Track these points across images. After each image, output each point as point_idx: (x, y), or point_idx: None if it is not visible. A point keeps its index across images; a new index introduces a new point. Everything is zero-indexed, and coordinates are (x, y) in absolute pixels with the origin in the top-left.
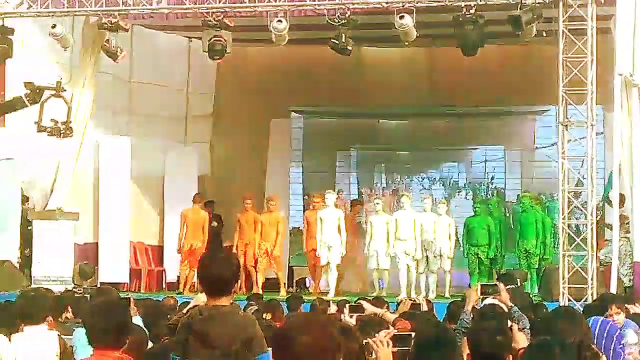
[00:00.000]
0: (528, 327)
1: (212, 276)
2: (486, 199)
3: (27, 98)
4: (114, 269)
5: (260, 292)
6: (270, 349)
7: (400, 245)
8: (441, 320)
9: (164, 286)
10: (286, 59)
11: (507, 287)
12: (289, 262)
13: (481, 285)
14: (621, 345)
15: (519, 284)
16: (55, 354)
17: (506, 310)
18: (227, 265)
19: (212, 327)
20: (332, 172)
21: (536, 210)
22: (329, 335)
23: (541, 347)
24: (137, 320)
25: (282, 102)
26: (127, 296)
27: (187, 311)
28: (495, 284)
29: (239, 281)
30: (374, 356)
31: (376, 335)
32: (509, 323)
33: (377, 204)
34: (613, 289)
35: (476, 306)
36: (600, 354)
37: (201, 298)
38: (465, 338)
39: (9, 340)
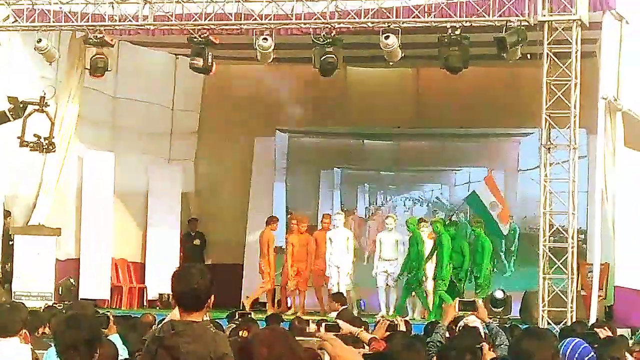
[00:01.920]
0: (506, 344)
1: (184, 291)
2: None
3: (11, 113)
4: (95, 285)
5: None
6: None
7: (382, 265)
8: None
9: (145, 303)
10: (271, 77)
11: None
12: (275, 281)
13: (459, 301)
14: None
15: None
16: None
17: (482, 327)
18: (200, 280)
19: (182, 343)
20: (315, 191)
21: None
22: (289, 349)
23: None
24: (115, 338)
25: (267, 120)
26: (106, 313)
27: (160, 326)
28: (474, 301)
29: (212, 297)
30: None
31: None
32: (481, 343)
33: (387, 223)
34: (593, 314)
35: (452, 325)
36: None
37: (176, 314)
38: (435, 357)
39: None
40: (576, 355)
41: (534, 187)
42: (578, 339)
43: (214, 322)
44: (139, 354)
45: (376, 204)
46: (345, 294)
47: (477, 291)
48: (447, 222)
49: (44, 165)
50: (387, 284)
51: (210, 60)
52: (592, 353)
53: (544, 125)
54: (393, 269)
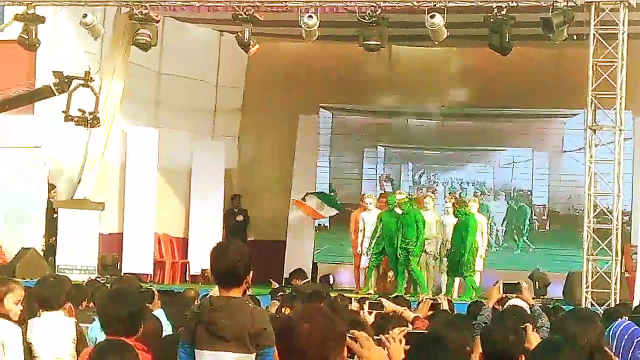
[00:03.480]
0: (547, 326)
1: (223, 267)
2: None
3: (56, 87)
4: (137, 259)
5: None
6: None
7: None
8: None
9: (187, 279)
10: (316, 55)
11: None
12: (313, 259)
13: (503, 283)
14: None
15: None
16: (72, 340)
17: (527, 309)
18: (238, 256)
19: (220, 318)
20: (358, 169)
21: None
22: (331, 324)
23: (548, 347)
24: (160, 313)
25: (311, 98)
26: (151, 288)
27: (200, 302)
28: (518, 283)
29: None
30: (386, 352)
31: (390, 332)
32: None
33: (426, 202)
34: (637, 295)
35: (497, 306)
36: (614, 357)
37: (217, 290)
38: (478, 336)
39: (25, 325)
40: (626, 337)
41: (578, 168)
42: (628, 321)
43: (253, 297)
44: (180, 329)
45: (419, 183)
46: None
47: (464, 269)
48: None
49: (89, 140)
50: (426, 263)
51: (247, 37)
52: None
53: (589, 107)
54: (431, 248)
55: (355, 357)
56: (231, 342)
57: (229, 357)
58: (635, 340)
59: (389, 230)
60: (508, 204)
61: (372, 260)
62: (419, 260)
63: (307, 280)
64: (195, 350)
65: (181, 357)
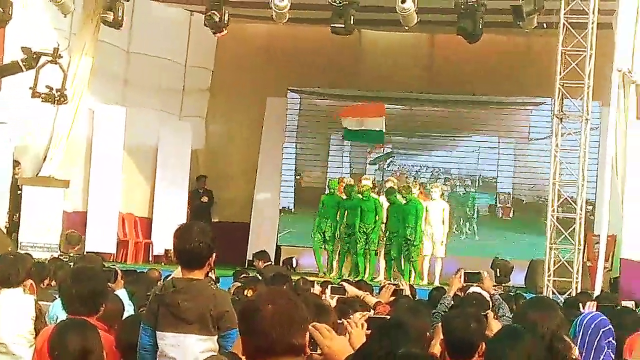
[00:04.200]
0: (508, 315)
1: (186, 248)
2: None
3: (24, 63)
4: (101, 238)
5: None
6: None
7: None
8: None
9: (150, 259)
10: (286, 38)
11: None
12: (277, 242)
13: (464, 272)
14: (607, 341)
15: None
16: (30, 318)
17: (488, 298)
18: (202, 238)
19: (183, 300)
20: (324, 153)
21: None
22: (294, 307)
23: (508, 334)
24: (122, 292)
25: (280, 81)
26: (114, 267)
27: (162, 283)
28: (479, 272)
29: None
30: (347, 337)
31: (352, 316)
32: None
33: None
34: (598, 285)
35: (459, 293)
36: (573, 345)
37: (179, 271)
38: (439, 323)
39: None
40: (592, 326)
41: (543, 157)
42: (595, 312)
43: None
44: (142, 309)
45: (385, 169)
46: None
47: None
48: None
49: (56, 117)
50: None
51: (226, 18)
52: (609, 326)
53: (557, 95)
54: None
55: (318, 348)
56: (194, 324)
57: (192, 339)
58: (601, 330)
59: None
60: (452, 190)
61: (342, 245)
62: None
63: (270, 262)
64: (157, 332)
65: (142, 339)
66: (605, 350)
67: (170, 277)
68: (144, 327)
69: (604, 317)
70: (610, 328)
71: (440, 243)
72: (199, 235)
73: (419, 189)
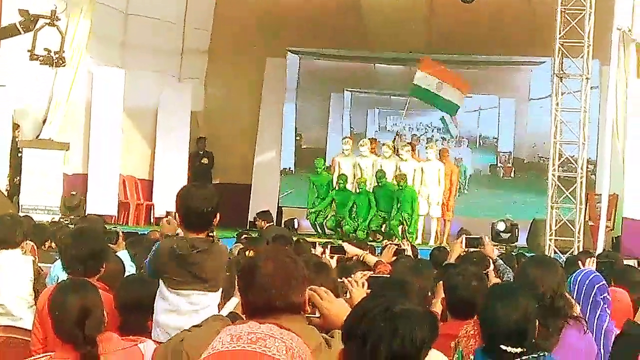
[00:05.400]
0: (512, 280)
1: (192, 210)
2: None
3: (21, 26)
4: (102, 201)
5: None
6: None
7: None
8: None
9: (152, 221)
10: None
11: None
12: (278, 203)
13: (465, 237)
14: (602, 296)
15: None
16: (29, 279)
17: (490, 263)
18: (208, 200)
19: (204, 260)
20: (324, 113)
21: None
22: (295, 265)
23: (501, 292)
24: (124, 254)
25: (279, 41)
26: (115, 229)
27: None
28: (480, 237)
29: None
30: (348, 296)
31: (352, 275)
32: (487, 270)
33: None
34: (600, 244)
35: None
36: (574, 303)
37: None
38: (440, 282)
39: None
40: (587, 282)
41: (544, 116)
42: (588, 269)
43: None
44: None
45: (385, 128)
46: None
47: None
48: None
49: (55, 80)
50: None
51: None
52: (603, 282)
53: (556, 54)
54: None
55: (317, 311)
56: (210, 282)
57: (209, 297)
58: (595, 286)
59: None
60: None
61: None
62: None
63: (272, 223)
64: (173, 289)
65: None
66: (601, 305)
67: (177, 236)
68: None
69: (597, 274)
70: (604, 284)
71: (436, 203)
72: (203, 197)
73: (409, 149)
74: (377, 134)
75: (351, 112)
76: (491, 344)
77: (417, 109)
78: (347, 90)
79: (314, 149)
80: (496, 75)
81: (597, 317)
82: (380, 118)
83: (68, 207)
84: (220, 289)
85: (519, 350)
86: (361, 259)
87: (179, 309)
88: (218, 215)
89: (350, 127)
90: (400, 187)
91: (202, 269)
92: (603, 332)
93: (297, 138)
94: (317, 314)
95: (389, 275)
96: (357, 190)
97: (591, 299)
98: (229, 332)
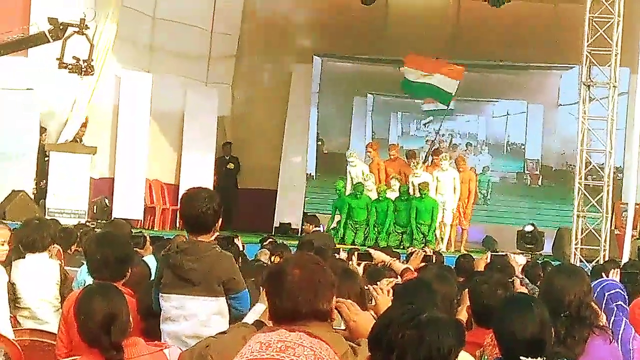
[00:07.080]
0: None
1: (192, 214)
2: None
3: (50, 34)
4: (128, 205)
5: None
6: (246, 289)
7: None
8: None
9: (177, 225)
10: (313, 3)
11: None
12: (304, 208)
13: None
14: (616, 304)
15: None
16: (55, 283)
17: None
18: (208, 203)
19: (186, 261)
20: (347, 117)
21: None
22: (322, 272)
23: (514, 302)
24: (150, 259)
25: (306, 47)
26: (142, 233)
27: (168, 245)
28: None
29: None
30: (373, 303)
31: (379, 282)
32: (513, 278)
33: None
34: (626, 253)
35: None
36: (600, 313)
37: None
38: (466, 290)
39: (9, 267)
40: (597, 290)
41: (573, 123)
42: (604, 278)
43: (227, 238)
44: None
45: (409, 133)
46: None
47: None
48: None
49: (81, 84)
50: None
51: None
52: (617, 289)
53: (584, 62)
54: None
55: (342, 323)
56: (199, 285)
57: (197, 302)
58: (606, 293)
59: None
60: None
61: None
62: None
63: (319, 228)
64: (162, 294)
65: (154, 303)
66: (615, 312)
67: (174, 238)
68: (155, 291)
69: (612, 281)
70: (617, 291)
71: (451, 210)
72: (205, 201)
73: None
74: (400, 139)
75: (373, 116)
76: (509, 356)
77: (443, 113)
78: (370, 93)
79: (336, 153)
80: (525, 80)
81: (612, 323)
82: (403, 123)
83: (95, 210)
84: (221, 298)
85: None
86: (388, 265)
87: (170, 314)
88: (220, 219)
89: (372, 132)
90: (422, 196)
91: (184, 270)
92: (620, 339)
93: (319, 143)
94: (342, 326)
95: (413, 281)
96: (379, 198)
97: (604, 306)
98: (258, 339)
